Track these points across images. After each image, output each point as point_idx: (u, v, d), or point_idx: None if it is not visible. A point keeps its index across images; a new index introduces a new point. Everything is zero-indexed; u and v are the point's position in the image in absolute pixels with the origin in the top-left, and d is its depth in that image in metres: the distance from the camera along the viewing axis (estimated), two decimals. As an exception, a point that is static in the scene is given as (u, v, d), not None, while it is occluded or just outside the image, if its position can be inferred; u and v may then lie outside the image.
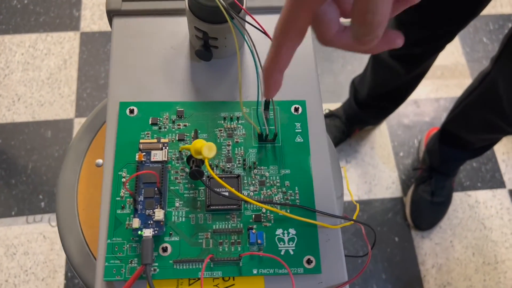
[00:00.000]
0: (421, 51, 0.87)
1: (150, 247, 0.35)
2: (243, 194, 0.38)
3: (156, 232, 0.35)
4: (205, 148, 0.34)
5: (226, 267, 0.36)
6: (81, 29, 1.33)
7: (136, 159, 0.37)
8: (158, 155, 0.38)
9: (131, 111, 0.40)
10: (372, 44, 0.25)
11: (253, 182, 0.39)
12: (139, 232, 0.35)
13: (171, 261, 0.36)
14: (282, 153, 0.40)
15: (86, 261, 0.48)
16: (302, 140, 0.41)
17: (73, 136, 1.13)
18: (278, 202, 0.38)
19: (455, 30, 0.80)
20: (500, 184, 1.22)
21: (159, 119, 0.40)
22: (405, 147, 1.24)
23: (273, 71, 0.30)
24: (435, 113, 1.28)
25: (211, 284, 0.36)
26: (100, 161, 0.54)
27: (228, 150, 0.40)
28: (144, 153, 0.38)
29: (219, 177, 0.38)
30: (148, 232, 0.35)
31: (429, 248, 1.14)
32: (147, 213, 0.36)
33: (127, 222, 0.37)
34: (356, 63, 1.31)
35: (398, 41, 0.28)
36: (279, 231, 0.37)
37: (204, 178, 0.38)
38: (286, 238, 0.37)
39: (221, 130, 0.41)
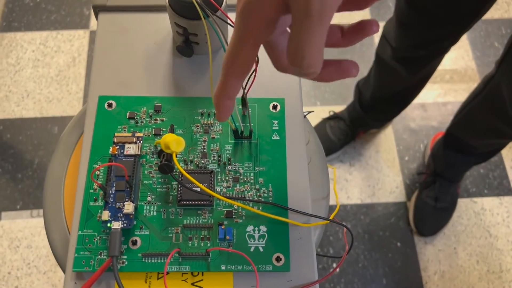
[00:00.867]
0: (425, 53, 0.85)
1: (118, 239, 0.35)
2: (215, 190, 0.38)
3: (125, 225, 0.36)
4: (173, 142, 0.34)
5: (194, 262, 0.36)
6: (90, 28, 1.35)
7: (110, 152, 0.38)
8: (131, 149, 0.38)
9: (110, 105, 0.41)
10: (313, 76, 0.26)
11: (227, 178, 0.39)
12: (108, 225, 0.35)
13: (140, 254, 0.36)
14: (258, 150, 0.40)
15: (69, 253, 0.49)
16: (278, 138, 0.41)
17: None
18: (250, 199, 0.38)
19: (459, 31, 0.78)
20: (508, 191, 1.19)
21: (137, 114, 0.41)
22: (411, 152, 1.22)
23: (222, 99, 0.30)
24: (442, 117, 1.26)
25: (179, 278, 0.36)
26: (88, 155, 0.54)
27: (204, 146, 0.40)
28: (118, 147, 0.38)
29: (193, 172, 0.38)
30: (117, 225, 0.35)
31: (432, 255, 1.12)
32: (117, 206, 0.36)
33: (98, 214, 0.37)
34: (363, 66, 1.30)
35: (354, 71, 0.30)
36: (249, 228, 0.37)
37: (176, 173, 0.38)
38: (256, 235, 0.37)
39: (198, 126, 0.41)
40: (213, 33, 0.42)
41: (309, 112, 0.51)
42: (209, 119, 0.41)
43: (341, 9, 0.28)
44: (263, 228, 0.37)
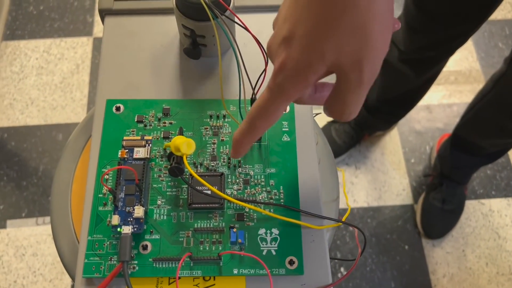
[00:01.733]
0: (434, 54, 0.85)
1: (129, 244, 0.34)
2: (226, 192, 0.38)
3: (135, 229, 0.35)
4: (184, 145, 0.33)
5: (206, 267, 0.35)
6: (94, 35, 1.35)
7: (119, 156, 0.37)
8: (140, 152, 0.37)
9: (117, 109, 0.40)
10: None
11: (237, 180, 0.38)
12: (118, 229, 0.35)
13: (150, 259, 0.35)
14: (268, 152, 0.39)
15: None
16: (289, 139, 0.40)
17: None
18: (261, 201, 0.37)
19: (470, 30, 0.78)
20: (516, 192, 1.18)
21: (145, 117, 0.40)
22: (417, 154, 1.22)
23: (245, 143, 0.32)
24: (448, 119, 1.26)
25: (191, 283, 0.36)
26: (95, 160, 0.54)
27: (213, 148, 0.39)
28: (127, 150, 0.38)
29: (203, 175, 0.38)
30: (127, 229, 0.35)
31: (441, 257, 1.11)
32: (127, 210, 0.36)
33: (108, 219, 0.36)
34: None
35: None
36: (261, 231, 0.36)
37: (186, 176, 0.37)
38: (268, 238, 0.36)
39: (207, 128, 0.40)
40: (221, 34, 0.41)
41: (317, 114, 0.51)
42: (218, 121, 0.41)
43: None
44: (275, 231, 0.36)
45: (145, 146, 0.38)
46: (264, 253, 0.36)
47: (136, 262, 0.35)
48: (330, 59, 0.26)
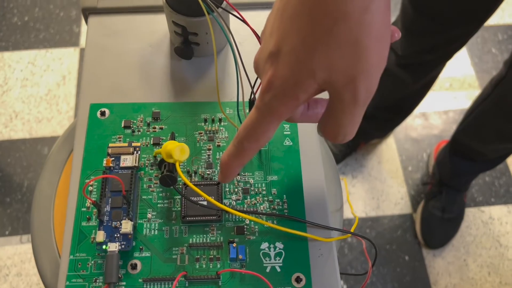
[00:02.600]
0: (433, 58, 0.83)
1: (116, 263, 0.30)
2: (224, 203, 0.34)
3: (123, 246, 0.31)
4: (177, 150, 0.30)
5: (203, 287, 0.31)
6: (80, 45, 1.31)
7: (104, 165, 0.34)
8: (128, 160, 0.34)
9: (102, 113, 0.37)
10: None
11: (236, 190, 0.35)
12: (104, 247, 0.31)
13: (140, 280, 0.31)
14: (269, 157, 0.36)
15: (60, 281, 0.44)
16: (291, 144, 0.37)
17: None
18: (263, 212, 0.34)
19: (469, 33, 0.76)
20: (515, 199, 1.16)
21: (133, 122, 0.37)
22: (414, 161, 1.19)
23: (234, 166, 0.29)
24: (444, 125, 1.24)
25: (186, 306, 0.32)
26: (79, 172, 0.50)
27: (209, 155, 0.36)
28: (113, 158, 0.34)
29: (197, 184, 0.34)
30: (113, 247, 0.31)
31: (442, 267, 1.07)
32: (113, 225, 0.32)
33: (92, 236, 0.32)
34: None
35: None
36: (264, 245, 0.33)
37: (179, 186, 0.33)
38: (272, 253, 0.33)
39: (201, 133, 0.37)
40: (215, 30, 0.38)
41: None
42: (214, 125, 0.37)
43: None
44: (279, 245, 0.33)
45: (133, 153, 0.34)
46: (267, 270, 0.32)
47: (124, 283, 0.31)
48: (321, 77, 0.23)
